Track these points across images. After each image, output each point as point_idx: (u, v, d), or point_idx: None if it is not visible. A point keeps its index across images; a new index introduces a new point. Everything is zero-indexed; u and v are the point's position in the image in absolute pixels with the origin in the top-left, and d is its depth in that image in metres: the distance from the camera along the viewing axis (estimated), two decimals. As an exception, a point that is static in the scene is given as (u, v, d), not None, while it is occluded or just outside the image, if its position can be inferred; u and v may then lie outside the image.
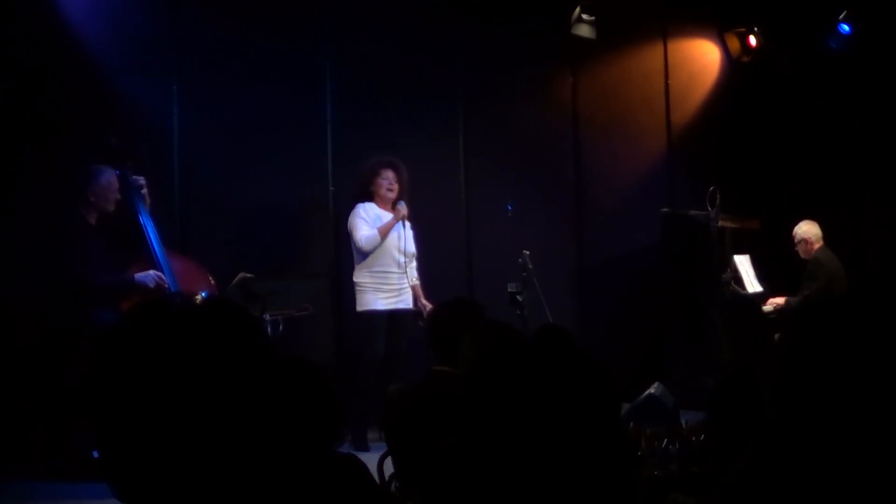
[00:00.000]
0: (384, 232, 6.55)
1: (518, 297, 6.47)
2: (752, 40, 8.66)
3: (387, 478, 3.60)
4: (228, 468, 1.28)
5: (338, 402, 1.53)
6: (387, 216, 6.62)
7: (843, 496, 1.42)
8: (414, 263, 6.77)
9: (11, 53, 6.12)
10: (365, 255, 6.55)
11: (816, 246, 7.69)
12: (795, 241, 7.80)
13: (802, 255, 7.77)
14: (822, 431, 1.45)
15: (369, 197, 6.68)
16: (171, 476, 1.26)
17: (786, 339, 1.54)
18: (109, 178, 5.81)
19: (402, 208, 6.59)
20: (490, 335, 3.05)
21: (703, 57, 8.88)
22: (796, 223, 7.89)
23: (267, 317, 5.86)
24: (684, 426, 3.57)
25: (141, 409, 1.26)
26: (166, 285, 5.68)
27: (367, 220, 6.57)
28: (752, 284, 7.93)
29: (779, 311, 7.73)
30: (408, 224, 6.69)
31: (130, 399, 1.26)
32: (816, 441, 1.45)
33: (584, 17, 7.79)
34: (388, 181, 6.66)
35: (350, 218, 6.64)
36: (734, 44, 8.79)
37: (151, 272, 5.70)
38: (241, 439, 1.29)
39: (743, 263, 8.01)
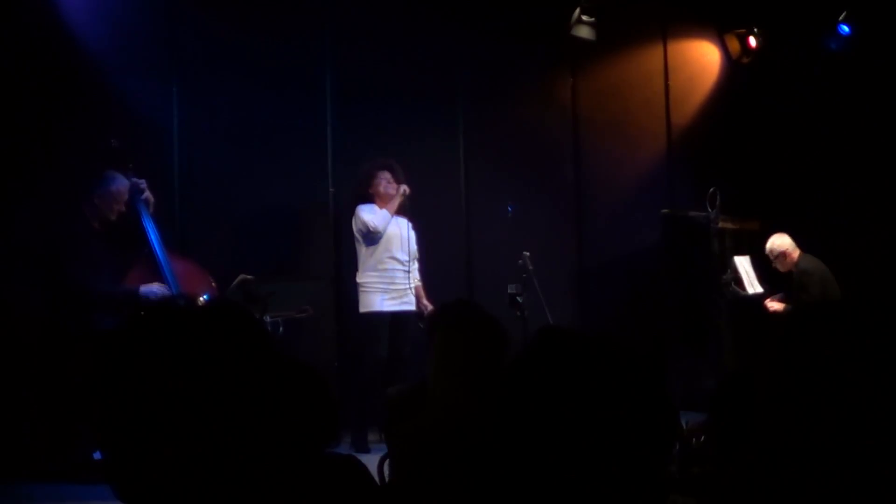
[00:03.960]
0: (391, 209, 6.60)
1: (518, 298, 6.48)
2: (752, 41, 8.66)
3: (387, 479, 3.60)
4: (227, 469, 1.28)
5: (332, 403, 1.53)
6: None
7: (841, 498, 1.42)
8: (416, 265, 6.78)
9: (11, 56, 6.12)
10: (375, 235, 6.55)
11: (795, 255, 7.63)
12: (773, 256, 7.67)
13: (783, 269, 7.68)
14: (819, 434, 1.45)
15: (369, 199, 6.69)
16: (172, 477, 1.26)
17: (782, 343, 1.55)
18: (121, 187, 5.82)
19: (403, 187, 6.63)
20: (480, 331, 3.05)
21: (703, 58, 8.89)
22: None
23: (267, 318, 5.86)
24: (685, 427, 3.57)
25: (144, 410, 1.26)
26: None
27: (371, 212, 6.62)
28: (753, 285, 7.93)
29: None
30: (409, 225, 6.71)
31: (133, 400, 1.27)
32: (813, 443, 1.45)
33: (584, 18, 7.79)
34: (385, 180, 6.69)
35: (355, 219, 6.66)
36: (734, 45, 8.79)
37: (155, 286, 5.70)
38: (240, 441, 1.29)
39: (743, 264, 8.01)
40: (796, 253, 7.65)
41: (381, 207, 6.65)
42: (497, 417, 1.41)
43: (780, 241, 7.69)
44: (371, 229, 6.55)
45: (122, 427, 1.27)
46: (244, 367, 1.32)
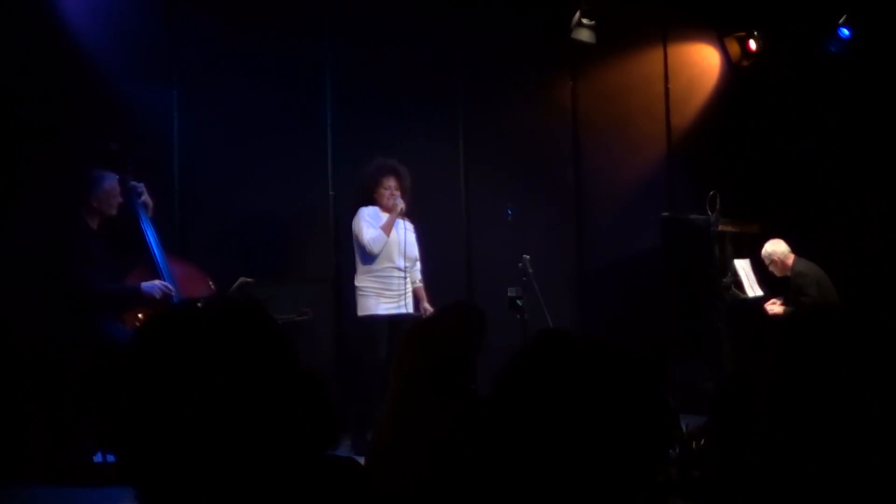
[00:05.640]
0: (387, 229, 6.54)
1: (518, 301, 6.47)
2: (752, 44, 8.67)
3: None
4: (230, 470, 1.28)
5: (332, 406, 1.54)
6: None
7: (841, 499, 1.42)
8: (418, 266, 6.76)
9: (11, 58, 6.13)
10: (371, 257, 6.52)
11: (790, 260, 7.68)
12: (768, 262, 7.76)
13: (778, 274, 7.74)
14: (818, 436, 1.45)
15: (372, 202, 6.66)
16: (179, 477, 1.27)
17: (782, 346, 1.55)
18: (112, 183, 5.83)
19: (399, 203, 6.57)
20: (437, 337, 3.08)
21: (703, 61, 8.89)
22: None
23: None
24: (685, 430, 3.57)
25: (158, 411, 1.26)
26: (172, 295, 5.68)
27: (371, 224, 6.56)
28: (753, 289, 7.93)
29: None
30: (410, 227, 6.68)
31: (147, 400, 1.27)
32: (813, 445, 1.45)
33: (584, 21, 7.80)
34: (389, 190, 6.61)
35: (354, 222, 6.60)
36: (734, 48, 8.79)
37: (157, 282, 5.71)
38: (244, 442, 1.29)
39: (743, 268, 8.01)
40: (791, 258, 7.68)
41: (383, 212, 6.61)
42: (494, 419, 1.41)
43: (773, 248, 7.73)
44: (367, 251, 6.52)
45: (132, 426, 1.28)
46: (255, 369, 1.32)
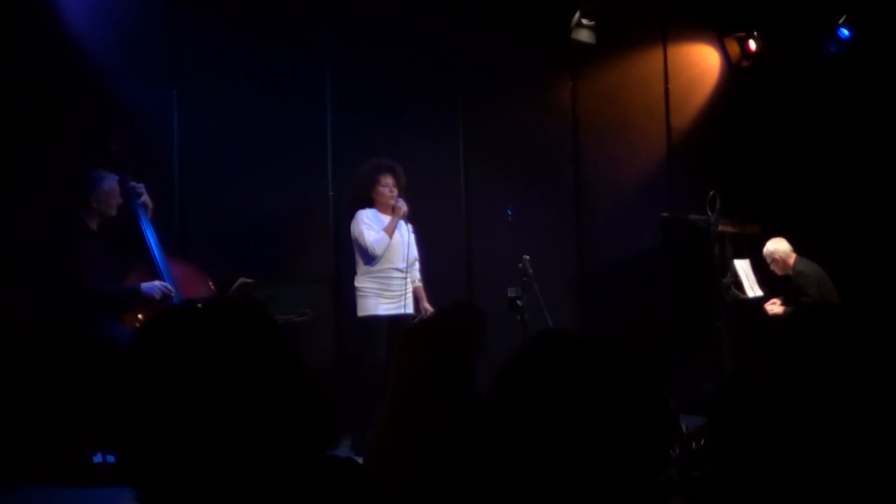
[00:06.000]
0: (390, 231, 6.54)
1: (518, 301, 6.47)
2: (752, 45, 8.67)
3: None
4: (229, 471, 1.29)
5: (332, 406, 1.54)
6: (389, 220, 6.61)
7: (841, 500, 1.42)
8: (417, 265, 6.76)
9: (11, 59, 6.13)
10: (373, 259, 6.51)
11: (792, 259, 7.69)
12: (770, 260, 7.77)
13: (780, 273, 7.76)
14: (818, 436, 1.45)
15: (370, 203, 6.65)
16: (180, 478, 1.27)
17: (781, 346, 1.55)
18: (111, 183, 5.83)
19: (402, 205, 6.56)
20: (435, 338, 3.08)
21: (703, 61, 8.89)
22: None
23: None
24: (684, 431, 3.56)
25: (159, 412, 1.26)
26: (172, 295, 5.68)
27: (371, 226, 6.55)
28: (752, 289, 7.93)
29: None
30: (409, 228, 6.68)
31: (150, 401, 1.27)
32: (813, 446, 1.45)
33: (584, 21, 7.81)
34: (388, 188, 6.61)
35: (354, 225, 6.60)
36: (734, 48, 8.80)
37: (157, 283, 5.71)
38: (244, 442, 1.29)
39: (743, 268, 8.01)
40: (793, 257, 7.69)
41: (382, 213, 6.61)
42: (494, 420, 1.41)
43: (775, 247, 7.74)
44: (370, 253, 6.51)
45: (132, 427, 1.28)
46: (255, 369, 1.32)
